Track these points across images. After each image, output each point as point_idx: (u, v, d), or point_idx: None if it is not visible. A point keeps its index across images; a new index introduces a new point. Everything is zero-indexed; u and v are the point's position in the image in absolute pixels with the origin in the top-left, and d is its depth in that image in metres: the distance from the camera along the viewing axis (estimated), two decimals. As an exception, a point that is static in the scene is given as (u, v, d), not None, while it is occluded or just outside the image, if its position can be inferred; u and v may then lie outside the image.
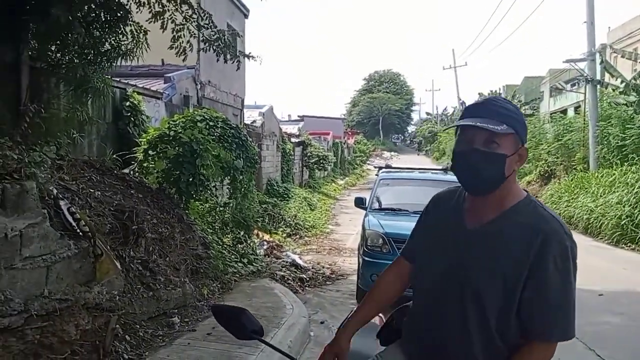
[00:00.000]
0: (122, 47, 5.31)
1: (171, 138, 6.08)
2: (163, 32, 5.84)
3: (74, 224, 3.27)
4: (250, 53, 6.20)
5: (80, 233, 3.29)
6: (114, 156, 6.19)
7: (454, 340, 1.51)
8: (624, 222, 10.78)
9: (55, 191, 3.40)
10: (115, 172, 5.27)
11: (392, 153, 53.47)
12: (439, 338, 1.55)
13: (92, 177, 4.54)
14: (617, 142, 14.41)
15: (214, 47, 6.07)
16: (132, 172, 6.03)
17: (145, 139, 6.33)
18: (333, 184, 24.84)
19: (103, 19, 5.15)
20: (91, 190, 4.10)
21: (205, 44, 6.15)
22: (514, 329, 1.46)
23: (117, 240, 3.95)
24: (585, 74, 16.63)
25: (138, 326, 3.71)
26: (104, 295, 3.24)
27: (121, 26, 5.28)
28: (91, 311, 3.13)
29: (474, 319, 1.47)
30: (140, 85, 8.25)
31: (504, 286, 1.44)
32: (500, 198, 1.50)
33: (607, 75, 16.74)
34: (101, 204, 3.99)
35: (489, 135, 1.44)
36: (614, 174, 12.75)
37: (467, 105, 1.60)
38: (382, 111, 62.80)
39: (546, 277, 1.40)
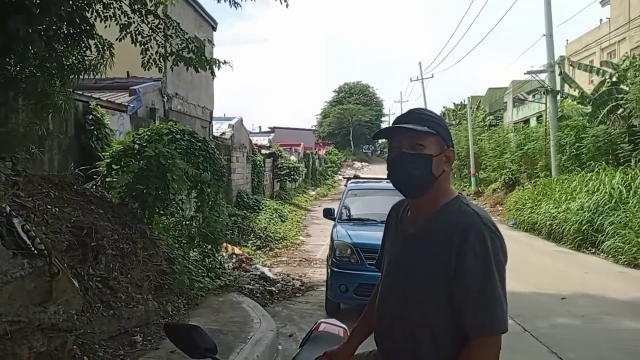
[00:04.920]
0: (86, 61, 5.21)
1: (136, 152, 5.97)
2: (135, 45, 5.76)
3: (28, 242, 3.16)
4: (223, 60, 6.13)
5: (35, 251, 3.19)
6: (76, 171, 6.03)
7: (402, 346, 1.55)
8: (584, 227, 11.16)
9: (8, 208, 3.28)
10: (75, 187, 5.13)
11: (363, 163, 54.01)
12: (390, 346, 1.60)
13: (50, 193, 4.40)
14: (573, 151, 14.97)
15: (182, 58, 5.99)
16: (93, 187, 5.88)
17: (108, 153, 6.20)
18: (304, 194, 24.84)
19: (66, 33, 5.03)
20: (48, 207, 3.98)
21: (171, 57, 6.05)
22: (459, 329, 1.46)
23: (75, 257, 3.83)
24: (545, 85, 17.24)
25: (97, 346, 3.59)
26: (61, 315, 3.13)
27: (85, 40, 5.18)
28: (46, 332, 3.02)
29: (418, 324, 1.51)
30: (105, 98, 8.09)
31: (438, 287, 1.47)
32: (434, 200, 1.57)
33: (566, 85, 17.41)
34: (58, 221, 3.87)
35: (413, 137, 1.54)
36: (574, 181, 13.22)
37: (396, 117, 1.69)
38: (353, 122, 63.42)
39: (465, 270, 1.43)
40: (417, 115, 1.59)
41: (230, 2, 6.03)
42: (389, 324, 1.60)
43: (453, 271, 1.44)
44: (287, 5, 5.91)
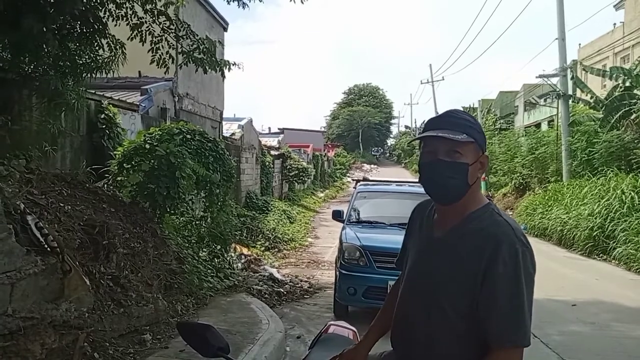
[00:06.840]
0: (99, 60, 5.26)
1: (147, 151, 6.01)
2: (142, 44, 5.81)
3: (41, 239, 3.19)
4: (233, 62, 6.18)
5: (48, 249, 3.22)
6: (88, 169, 6.08)
7: (419, 349, 1.54)
8: (595, 233, 11.03)
9: (22, 206, 3.32)
10: (87, 185, 5.16)
11: (372, 166, 53.97)
12: (408, 348, 1.58)
13: (63, 190, 4.44)
14: (584, 157, 14.82)
15: (192, 59, 6.04)
16: (105, 186, 5.92)
17: (120, 152, 6.24)
18: (313, 196, 24.82)
19: (79, 31, 5.09)
20: (61, 205, 4.01)
21: (183, 56, 6.11)
22: (483, 337, 1.45)
23: (87, 255, 3.86)
24: (557, 89, 17.09)
25: (108, 344, 3.61)
26: (72, 312, 3.16)
27: (98, 39, 5.23)
28: (58, 329, 3.04)
29: (440, 328, 1.49)
30: (116, 98, 8.16)
31: (464, 294, 1.45)
32: (463, 206, 1.53)
33: (578, 90, 17.24)
34: (71, 219, 3.90)
35: (451, 145, 1.48)
36: (585, 186, 13.08)
37: (428, 119, 1.62)
38: (362, 124, 63.38)
39: (495, 281, 1.41)
40: (454, 120, 1.52)
41: (238, 2, 6.07)
42: (408, 327, 1.59)
43: (480, 281, 1.43)
44: (302, 1, 5.94)
